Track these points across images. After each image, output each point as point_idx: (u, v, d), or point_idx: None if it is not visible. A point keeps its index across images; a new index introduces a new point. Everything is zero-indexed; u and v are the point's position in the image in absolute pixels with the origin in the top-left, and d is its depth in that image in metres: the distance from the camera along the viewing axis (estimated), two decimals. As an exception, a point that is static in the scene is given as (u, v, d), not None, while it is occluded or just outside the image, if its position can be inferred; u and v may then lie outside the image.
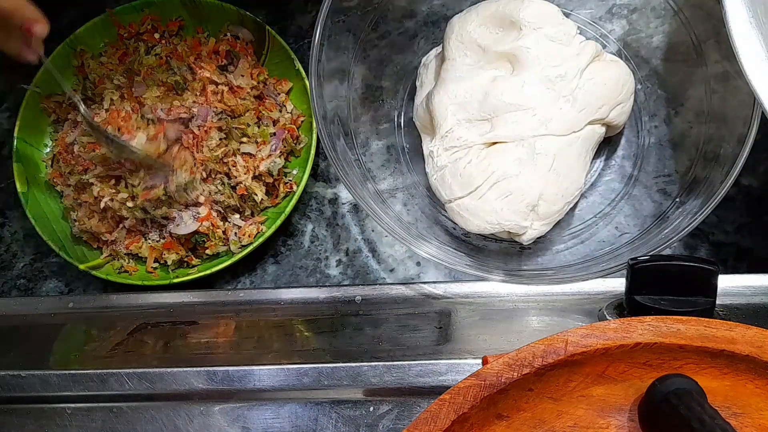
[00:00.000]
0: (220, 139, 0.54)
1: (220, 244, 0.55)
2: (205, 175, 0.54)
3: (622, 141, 0.55)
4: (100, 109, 0.56)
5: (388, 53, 0.59)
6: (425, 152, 0.54)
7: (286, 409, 0.41)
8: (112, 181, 0.54)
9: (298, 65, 0.57)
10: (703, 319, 0.31)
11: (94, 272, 0.55)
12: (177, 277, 0.54)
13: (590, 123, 0.50)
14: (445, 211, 0.52)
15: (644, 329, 0.31)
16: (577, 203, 0.53)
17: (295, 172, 0.57)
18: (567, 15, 0.57)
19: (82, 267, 0.55)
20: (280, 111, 0.58)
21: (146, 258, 0.56)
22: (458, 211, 0.50)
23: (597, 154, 0.54)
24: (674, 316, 0.31)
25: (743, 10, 0.41)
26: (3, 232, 0.61)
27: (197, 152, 0.54)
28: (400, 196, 0.56)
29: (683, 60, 0.54)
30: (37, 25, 0.47)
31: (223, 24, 0.60)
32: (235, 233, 0.55)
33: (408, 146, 0.57)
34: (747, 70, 0.40)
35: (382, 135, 0.58)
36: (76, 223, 0.56)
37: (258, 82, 0.58)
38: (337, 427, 0.41)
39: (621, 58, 0.54)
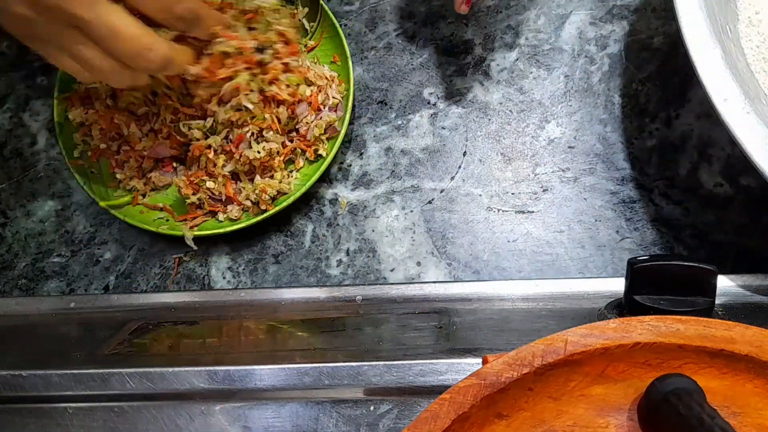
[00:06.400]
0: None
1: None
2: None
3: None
4: None
5: (385, 54, 0.60)
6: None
7: (287, 409, 0.42)
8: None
9: (345, 45, 0.56)
10: (702, 318, 0.31)
11: (113, 212, 0.55)
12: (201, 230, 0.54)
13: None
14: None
15: (644, 329, 0.31)
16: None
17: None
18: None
19: (102, 204, 0.55)
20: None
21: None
22: None
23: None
24: (673, 316, 0.31)
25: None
26: (4, 232, 0.61)
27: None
28: (397, 200, 0.57)
29: (684, 61, 0.54)
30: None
31: None
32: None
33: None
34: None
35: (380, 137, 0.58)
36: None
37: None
38: (337, 427, 0.41)
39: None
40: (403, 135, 0.58)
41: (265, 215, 0.53)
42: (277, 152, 0.54)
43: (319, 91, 0.55)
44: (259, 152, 0.53)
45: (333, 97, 0.55)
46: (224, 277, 0.57)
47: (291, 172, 0.56)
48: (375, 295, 0.51)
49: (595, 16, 0.58)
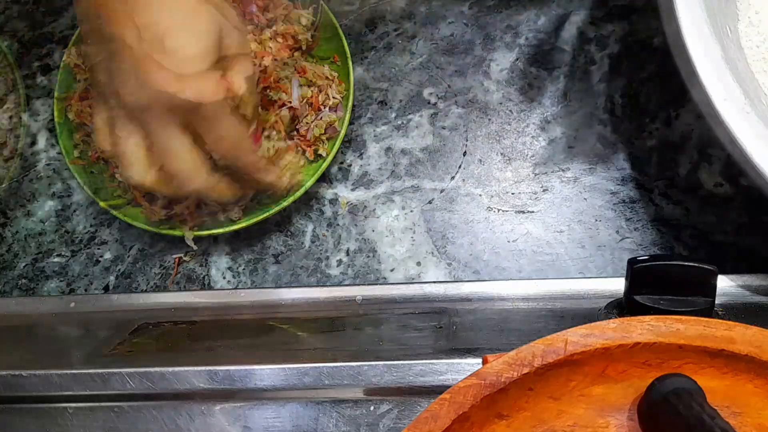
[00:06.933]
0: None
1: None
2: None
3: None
4: None
5: (385, 54, 0.60)
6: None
7: (287, 409, 0.42)
8: None
9: (345, 45, 0.56)
10: (702, 318, 0.31)
11: (113, 212, 0.54)
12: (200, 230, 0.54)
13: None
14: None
15: (644, 329, 0.31)
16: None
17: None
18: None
19: (102, 204, 0.54)
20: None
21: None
22: None
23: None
24: (673, 316, 0.31)
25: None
26: (4, 232, 0.61)
27: None
28: (397, 200, 0.57)
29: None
30: None
31: None
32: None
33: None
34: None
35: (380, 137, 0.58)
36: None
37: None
38: (337, 427, 0.41)
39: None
40: (403, 135, 0.58)
41: (265, 215, 0.53)
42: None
43: (320, 91, 0.55)
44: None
45: (333, 97, 0.55)
46: (224, 277, 0.57)
47: None
48: (375, 295, 0.51)
49: (595, 16, 0.58)
